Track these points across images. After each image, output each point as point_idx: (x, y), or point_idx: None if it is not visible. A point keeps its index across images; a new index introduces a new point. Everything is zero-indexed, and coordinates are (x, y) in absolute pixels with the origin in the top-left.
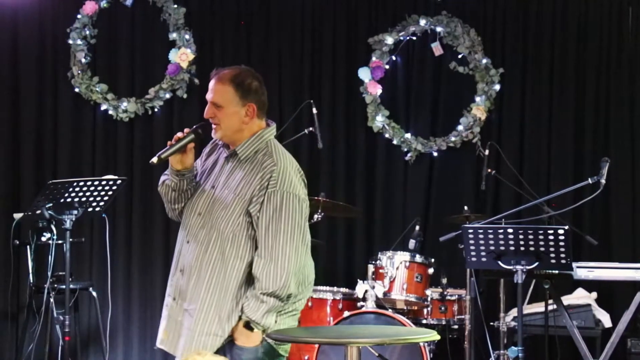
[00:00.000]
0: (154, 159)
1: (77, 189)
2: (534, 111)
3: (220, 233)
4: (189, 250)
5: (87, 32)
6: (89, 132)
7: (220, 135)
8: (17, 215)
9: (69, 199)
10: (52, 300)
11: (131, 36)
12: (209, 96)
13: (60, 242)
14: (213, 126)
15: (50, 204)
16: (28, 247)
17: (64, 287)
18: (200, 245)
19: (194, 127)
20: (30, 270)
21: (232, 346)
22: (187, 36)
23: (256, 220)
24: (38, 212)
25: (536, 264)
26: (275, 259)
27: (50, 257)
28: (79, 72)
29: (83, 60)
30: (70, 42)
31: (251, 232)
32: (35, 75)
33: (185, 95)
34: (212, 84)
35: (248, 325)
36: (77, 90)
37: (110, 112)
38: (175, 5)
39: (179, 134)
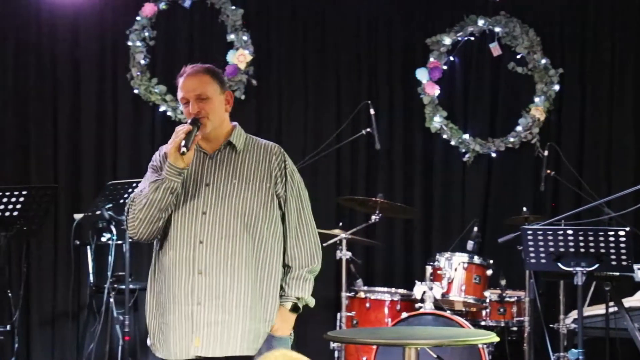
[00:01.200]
0: (185, 149)
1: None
2: (594, 111)
3: (245, 223)
4: (207, 250)
5: (146, 34)
6: (148, 133)
7: (210, 129)
8: (78, 216)
9: (128, 200)
10: (112, 300)
11: (189, 37)
12: (190, 93)
13: (120, 242)
14: (202, 120)
15: (110, 205)
16: (88, 247)
17: (123, 287)
18: (222, 241)
19: (193, 118)
20: (91, 271)
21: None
22: (245, 37)
23: (283, 200)
24: (98, 212)
25: (596, 265)
26: (309, 235)
27: (110, 257)
28: (138, 73)
29: (142, 61)
30: (130, 43)
31: (277, 213)
32: (95, 77)
33: (243, 97)
34: (188, 80)
35: (295, 308)
36: (136, 91)
37: (168, 113)
38: (233, 7)
39: (184, 127)
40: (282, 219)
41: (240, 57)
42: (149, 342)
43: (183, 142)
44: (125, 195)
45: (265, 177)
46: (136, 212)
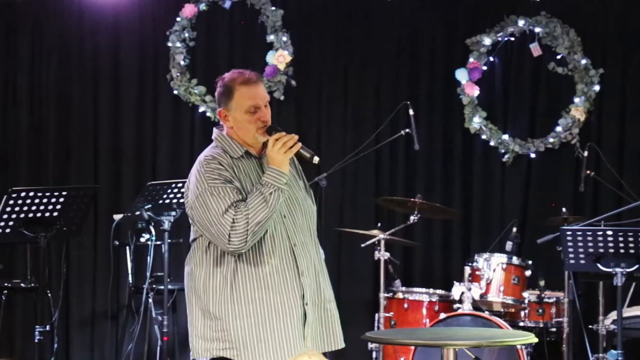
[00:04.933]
0: (317, 157)
1: (175, 190)
2: (635, 112)
3: (309, 221)
4: (300, 252)
5: (186, 35)
6: (187, 134)
7: None
8: (117, 217)
9: (167, 200)
10: (150, 300)
11: (229, 38)
12: (263, 100)
13: (158, 243)
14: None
15: (149, 205)
16: (127, 248)
17: (162, 287)
18: (305, 238)
19: (271, 126)
20: (130, 271)
21: None
22: (284, 38)
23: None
24: (137, 213)
25: (636, 266)
26: None
27: (149, 257)
28: (178, 74)
29: (182, 62)
30: (170, 44)
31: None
32: (135, 77)
33: (282, 97)
34: (257, 88)
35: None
36: (176, 92)
37: (208, 114)
38: (273, 8)
39: (285, 135)
40: None
41: (279, 58)
42: (223, 353)
43: (307, 153)
44: (164, 196)
45: (306, 186)
46: (251, 225)
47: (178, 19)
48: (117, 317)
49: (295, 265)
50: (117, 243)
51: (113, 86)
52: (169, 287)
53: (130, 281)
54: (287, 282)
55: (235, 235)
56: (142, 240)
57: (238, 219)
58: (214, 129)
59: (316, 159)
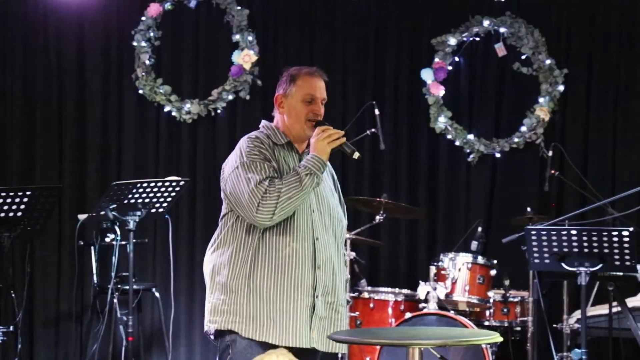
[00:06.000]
0: (358, 154)
1: (140, 190)
2: (599, 112)
3: (339, 237)
4: (322, 246)
5: (152, 34)
6: (152, 133)
7: None
8: (82, 217)
9: (132, 200)
10: (115, 300)
11: (195, 38)
12: (321, 94)
13: (123, 243)
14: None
15: (114, 205)
16: (92, 248)
17: (127, 287)
18: (329, 239)
19: (320, 120)
20: (95, 271)
21: None
22: (250, 38)
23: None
24: (102, 213)
25: (600, 265)
26: None
27: (114, 257)
28: (143, 74)
29: (147, 62)
30: (135, 44)
31: None
32: (100, 77)
33: (248, 97)
34: (321, 82)
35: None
36: (141, 92)
37: (173, 113)
38: (239, 7)
39: (339, 130)
40: None
41: (245, 58)
42: (231, 325)
43: (348, 148)
44: (130, 196)
45: (335, 182)
46: (282, 199)
47: (143, 18)
48: (81, 317)
49: (314, 256)
50: (82, 243)
51: (78, 85)
52: (134, 287)
53: (95, 281)
54: (301, 269)
55: (264, 206)
56: (107, 240)
57: (270, 190)
58: (262, 121)
59: (357, 155)
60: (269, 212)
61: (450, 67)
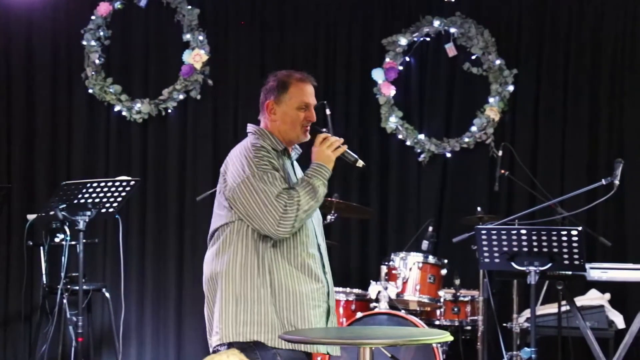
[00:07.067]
0: (362, 162)
1: (90, 190)
2: (548, 112)
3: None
4: (323, 250)
5: (101, 34)
6: (102, 133)
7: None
8: (31, 216)
9: (82, 200)
10: (65, 301)
11: (145, 37)
12: (313, 101)
13: (73, 243)
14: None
15: (64, 205)
16: (41, 248)
17: (77, 288)
18: (322, 243)
19: (316, 127)
20: (44, 271)
21: None
22: (200, 37)
23: None
24: (52, 213)
25: (549, 265)
26: None
27: (63, 258)
28: (93, 73)
29: (97, 61)
30: (84, 43)
31: None
32: (49, 76)
33: (199, 97)
34: (311, 87)
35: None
36: (90, 91)
37: (123, 113)
38: (189, 7)
39: (338, 138)
40: None
41: (196, 57)
42: (257, 336)
43: (350, 156)
44: (79, 196)
45: None
46: (300, 212)
47: (93, 17)
48: (30, 317)
49: (322, 261)
50: (31, 243)
51: (27, 85)
52: (84, 287)
53: (44, 282)
54: (316, 275)
55: (286, 220)
56: (57, 240)
57: (290, 203)
58: (249, 125)
59: (360, 163)
60: (290, 226)
61: (401, 67)
